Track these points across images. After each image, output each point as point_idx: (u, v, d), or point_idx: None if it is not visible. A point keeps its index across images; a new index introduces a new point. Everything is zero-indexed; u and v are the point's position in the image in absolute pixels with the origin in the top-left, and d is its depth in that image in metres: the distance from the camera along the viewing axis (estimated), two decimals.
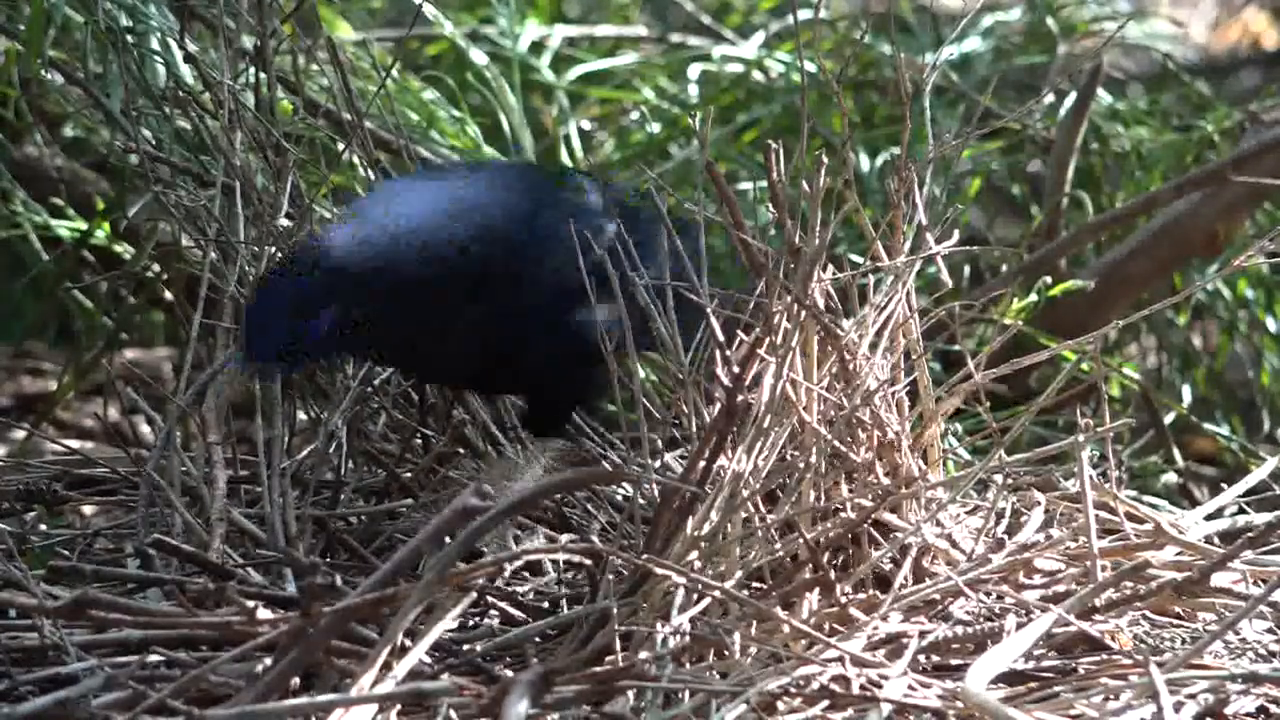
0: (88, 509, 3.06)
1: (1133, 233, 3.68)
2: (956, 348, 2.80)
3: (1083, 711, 2.32)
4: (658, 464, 2.73)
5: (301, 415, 2.98)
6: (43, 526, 2.90)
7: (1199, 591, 2.61)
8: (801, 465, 2.56)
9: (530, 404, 2.87)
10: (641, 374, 2.94)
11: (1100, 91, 3.72)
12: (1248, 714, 2.37)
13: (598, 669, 2.34)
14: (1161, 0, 5.28)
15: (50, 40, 3.00)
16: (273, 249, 2.87)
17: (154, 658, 2.41)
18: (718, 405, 2.46)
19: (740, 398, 2.45)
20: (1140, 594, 2.56)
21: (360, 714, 2.20)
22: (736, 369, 2.45)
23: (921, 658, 2.45)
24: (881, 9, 4.20)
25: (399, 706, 2.25)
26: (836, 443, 2.60)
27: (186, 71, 2.99)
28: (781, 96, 3.82)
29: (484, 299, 2.66)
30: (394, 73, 3.28)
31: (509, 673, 2.41)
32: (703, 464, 2.46)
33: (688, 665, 2.37)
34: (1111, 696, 2.33)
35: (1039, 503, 2.72)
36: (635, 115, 3.94)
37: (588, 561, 2.56)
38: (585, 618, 2.41)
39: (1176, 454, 3.65)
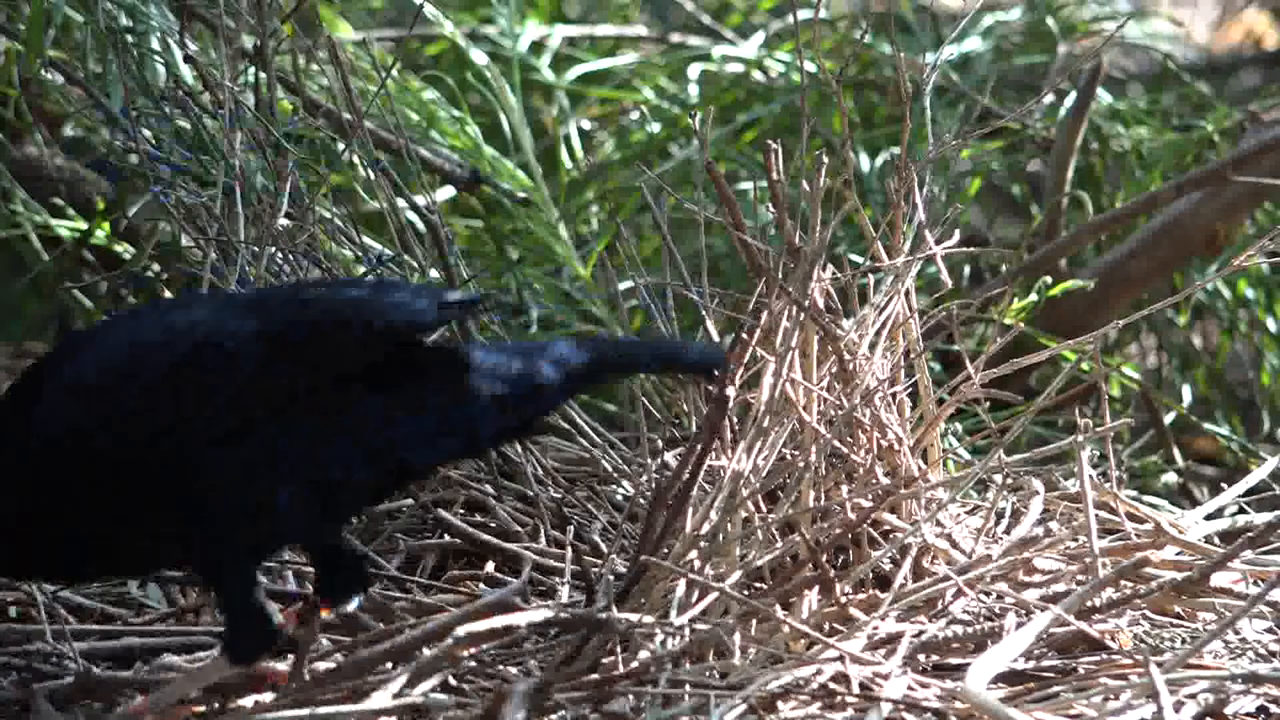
0: None
1: (1133, 233, 3.68)
2: (956, 348, 2.80)
3: (1083, 711, 2.32)
4: (657, 463, 2.74)
5: None
6: None
7: (1199, 591, 2.61)
8: (801, 465, 2.56)
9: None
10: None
11: (1100, 91, 3.72)
12: (1248, 714, 2.37)
13: (597, 671, 2.34)
14: (1161, 0, 5.27)
15: (50, 40, 3.00)
16: (273, 249, 2.87)
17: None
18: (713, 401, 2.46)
19: (732, 391, 2.45)
20: (1140, 594, 2.56)
21: None
22: (730, 364, 2.45)
23: (921, 657, 2.45)
24: (881, 9, 4.19)
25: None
26: (836, 443, 2.60)
27: (186, 71, 2.99)
28: (781, 96, 3.82)
29: None
30: (394, 73, 3.28)
31: (512, 670, 2.42)
32: (696, 458, 2.46)
33: (688, 665, 2.37)
34: (1111, 696, 2.33)
35: (1038, 491, 2.72)
36: (635, 115, 3.94)
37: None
38: (584, 618, 2.41)
39: (1176, 454, 3.65)
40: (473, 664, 2.39)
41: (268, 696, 2.30)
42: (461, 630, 2.23)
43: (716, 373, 2.45)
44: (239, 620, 2.23)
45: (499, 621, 2.26)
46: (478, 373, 2.28)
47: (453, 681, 2.37)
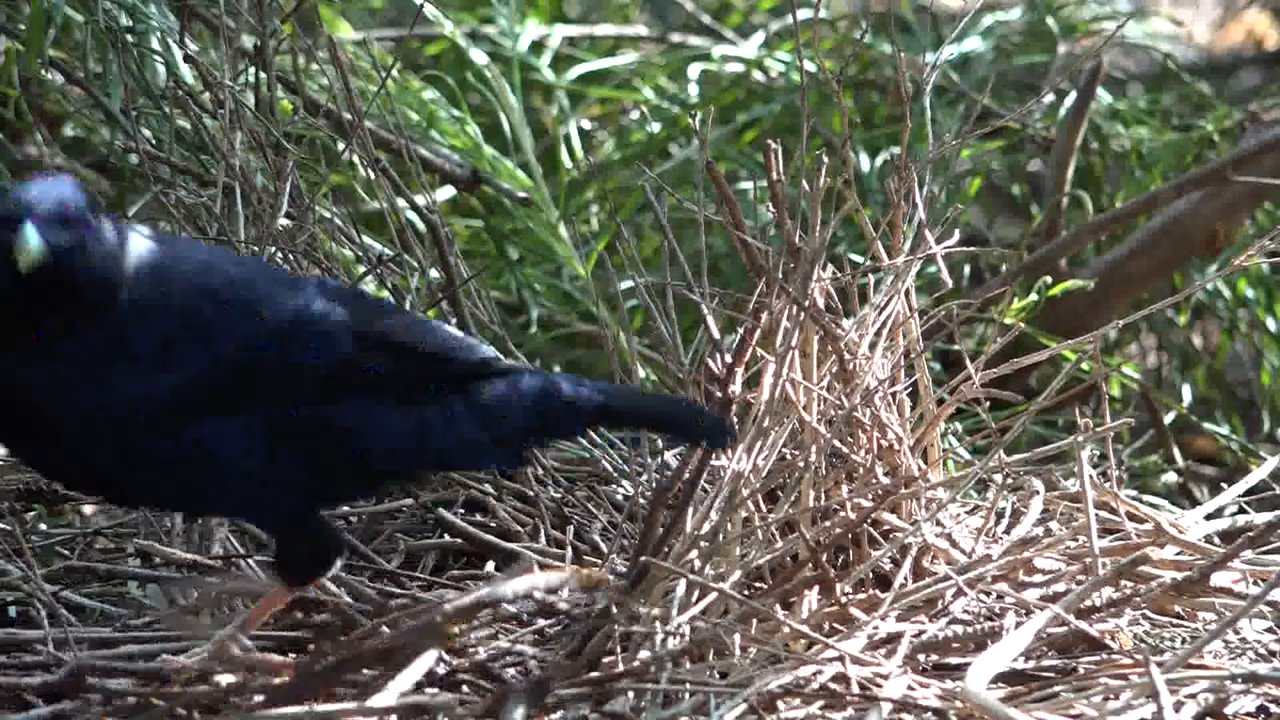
0: (88, 509, 3.06)
1: (1133, 233, 3.68)
2: (956, 347, 2.80)
3: (1083, 711, 2.32)
4: (658, 463, 2.74)
5: None
6: (43, 526, 2.90)
7: (1199, 591, 2.61)
8: (801, 465, 2.56)
9: None
10: (641, 373, 2.95)
11: (1100, 91, 3.72)
12: (1248, 714, 2.37)
13: (597, 670, 2.34)
14: (1161, 0, 5.27)
15: (50, 40, 3.00)
16: (273, 249, 2.87)
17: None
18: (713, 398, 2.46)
19: (732, 388, 2.45)
20: (1140, 594, 2.56)
21: None
22: (729, 360, 2.46)
23: (921, 657, 2.45)
24: (881, 9, 4.19)
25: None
26: (836, 443, 2.60)
27: (186, 71, 2.99)
28: (781, 96, 3.82)
29: None
30: (394, 73, 3.28)
31: (511, 670, 2.42)
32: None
33: (688, 665, 2.37)
34: (1111, 696, 2.33)
35: (1038, 491, 2.72)
36: (635, 115, 3.94)
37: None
38: (584, 618, 2.41)
39: (1176, 454, 3.65)
40: (468, 663, 2.40)
41: (266, 696, 2.30)
42: (449, 606, 2.23)
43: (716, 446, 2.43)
44: (292, 542, 2.26)
45: (484, 595, 2.26)
46: (512, 395, 2.34)
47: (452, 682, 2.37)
